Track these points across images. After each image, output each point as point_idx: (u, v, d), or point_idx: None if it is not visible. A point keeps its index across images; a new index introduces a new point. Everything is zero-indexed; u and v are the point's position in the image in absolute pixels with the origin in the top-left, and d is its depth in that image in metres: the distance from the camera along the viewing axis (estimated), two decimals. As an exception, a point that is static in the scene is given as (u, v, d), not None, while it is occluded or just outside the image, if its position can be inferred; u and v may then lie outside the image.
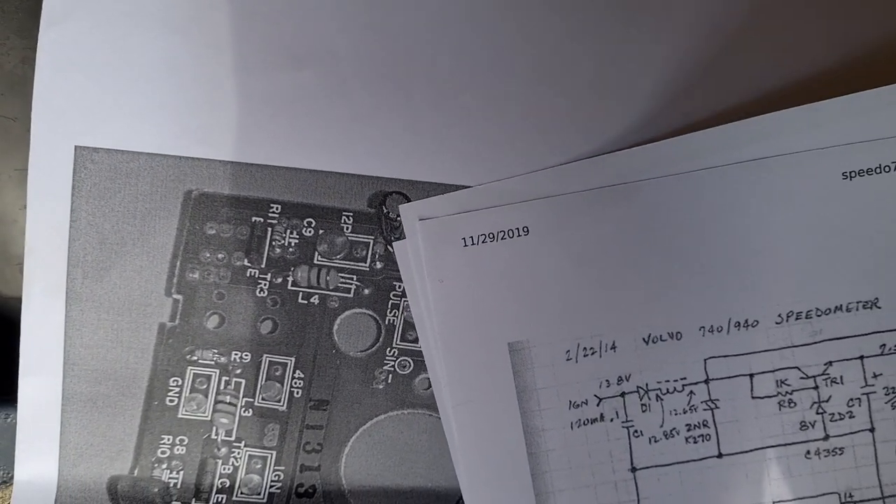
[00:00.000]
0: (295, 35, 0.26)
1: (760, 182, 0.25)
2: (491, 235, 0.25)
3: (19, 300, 0.26)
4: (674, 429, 0.26)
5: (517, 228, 0.25)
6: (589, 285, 0.25)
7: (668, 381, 0.26)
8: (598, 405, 0.26)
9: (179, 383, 0.26)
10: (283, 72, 0.26)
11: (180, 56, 0.26)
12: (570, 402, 0.26)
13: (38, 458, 0.26)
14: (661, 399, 0.26)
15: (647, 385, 0.26)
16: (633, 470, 0.26)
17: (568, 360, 0.26)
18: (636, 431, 0.26)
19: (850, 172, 0.25)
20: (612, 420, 0.26)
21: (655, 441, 0.26)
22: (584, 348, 0.26)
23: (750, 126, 0.25)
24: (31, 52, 0.26)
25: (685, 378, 0.26)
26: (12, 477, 0.26)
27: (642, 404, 0.26)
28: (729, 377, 0.26)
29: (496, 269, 0.25)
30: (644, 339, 0.26)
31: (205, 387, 0.27)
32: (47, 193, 0.26)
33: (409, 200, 0.26)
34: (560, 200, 0.25)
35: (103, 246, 0.26)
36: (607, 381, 0.26)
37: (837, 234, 0.25)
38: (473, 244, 0.25)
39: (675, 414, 0.26)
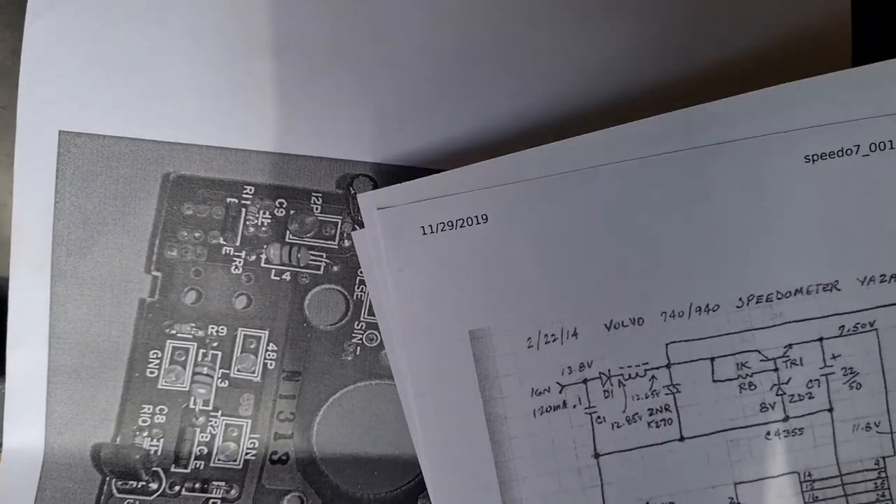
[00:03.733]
0: (267, 26, 0.27)
1: (722, 166, 0.25)
2: (450, 223, 0.25)
3: (6, 280, 0.28)
4: (636, 414, 0.26)
5: (476, 216, 0.25)
6: (549, 272, 0.25)
7: (630, 366, 0.26)
8: (560, 392, 0.26)
9: (159, 356, 0.28)
10: (257, 60, 0.27)
11: (158, 46, 0.27)
12: (533, 389, 0.26)
13: (25, 427, 0.28)
14: (624, 385, 0.26)
15: (609, 371, 0.26)
16: (597, 455, 0.26)
17: (529, 347, 0.25)
18: (599, 417, 0.26)
19: (813, 156, 0.25)
20: (574, 406, 0.26)
21: (618, 426, 0.26)
22: (546, 335, 0.25)
23: (710, 110, 0.25)
24: (20, 44, 0.27)
25: (647, 363, 0.26)
26: (1, 445, 0.28)
27: (605, 390, 0.26)
28: (690, 361, 0.26)
29: (456, 257, 0.25)
30: (606, 326, 0.25)
31: (183, 359, 0.28)
32: (33, 175, 0.27)
33: (374, 182, 0.28)
34: (519, 188, 0.25)
35: (86, 225, 0.27)
36: (569, 367, 0.26)
37: (799, 218, 0.25)
38: (433, 232, 0.25)
39: (638, 399, 0.26)
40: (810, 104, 0.25)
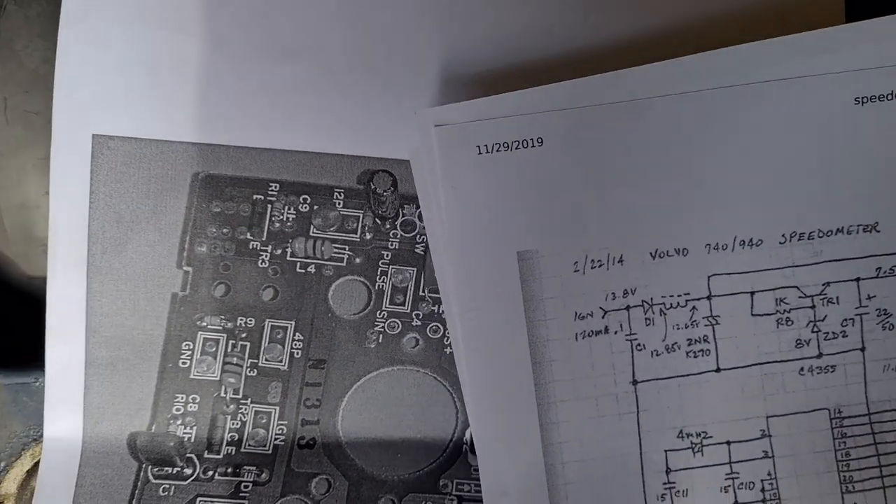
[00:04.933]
0: (288, 31, 0.29)
1: (772, 104, 0.25)
2: (505, 144, 0.25)
3: (44, 280, 0.29)
4: (675, 343, 0.26)
5: (531, 139, 0.25)
6: (599, 198, 0.26)
7: (672, 296, 0.26)
8: (603, 317, 0.26)
9: (191, 347, 0.29)
10: (279, 64, 0.29)
11: (186, 52, 0.29)
12: (576, 313, 0.26)
13: (64, 418, 0.29)
14: (665, 314, 0.26)
15: (651, 299, 0.26)
16: (635, 382, 0.26)
17: (576, 271, 0.26)
18: (639, 345, 0.26)
19: (863, 98, 0.25)
20: (615, 333, 0.26)
21: (657, 354, 0.26)
22: (592, 260, 0.26)
23: (764, 48, 0.25)
24: (51, 53, 0.29)
25: (689, 294, 0.26)
26: (42, 435, 0.29)
27: (646, 318, 0.26)
28: (731, 294, 0.26)
29: (509, 178, 0.25)
30: (651, 254, 0.26)
31: (214, 350, 0.29)
32: (68, 177, 0.28)
33: (393, 177, 0.29)
34: (575, 113, 0.25)
35: (120, 224, 0.29)
36: (613, 293, 0.26)
37: (844, 159, 0.25)
38: (488, 152, 0.25)
39: (677, 329, 0.26)
40: (863, 46, 0.25)
